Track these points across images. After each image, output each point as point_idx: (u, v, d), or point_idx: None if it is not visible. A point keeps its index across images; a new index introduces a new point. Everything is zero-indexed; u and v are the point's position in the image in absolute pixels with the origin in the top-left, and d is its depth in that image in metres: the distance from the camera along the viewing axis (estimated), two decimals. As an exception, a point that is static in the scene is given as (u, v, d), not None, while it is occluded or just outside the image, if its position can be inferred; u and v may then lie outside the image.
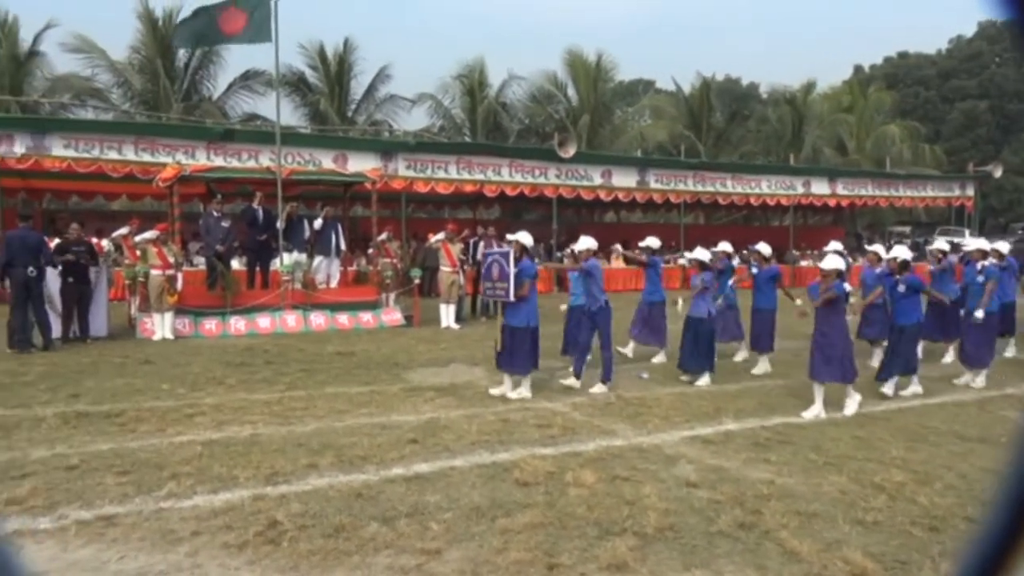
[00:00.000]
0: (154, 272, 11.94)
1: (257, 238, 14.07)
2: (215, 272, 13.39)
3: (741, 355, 10.50)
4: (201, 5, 13.14)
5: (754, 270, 10.15)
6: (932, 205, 31.27)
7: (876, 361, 10.24)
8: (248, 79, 28.36)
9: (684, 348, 8.82)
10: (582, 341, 8.53)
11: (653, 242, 10.60)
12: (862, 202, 29.09)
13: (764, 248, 10.03)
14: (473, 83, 31.56)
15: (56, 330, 11.01)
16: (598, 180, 23.38)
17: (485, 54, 41.10)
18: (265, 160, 17.34)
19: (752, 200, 26.42)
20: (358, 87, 30.78)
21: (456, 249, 14.05)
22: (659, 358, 10.19)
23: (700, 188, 25.25)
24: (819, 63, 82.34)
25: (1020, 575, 1.04)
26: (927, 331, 10.68)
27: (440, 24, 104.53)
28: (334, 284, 14.54)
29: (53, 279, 11.11)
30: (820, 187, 27.24)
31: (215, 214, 13.83)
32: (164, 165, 15.48)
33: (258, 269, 14.21)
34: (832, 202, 28.12)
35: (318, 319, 13.27)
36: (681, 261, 11.68)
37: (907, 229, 37.08)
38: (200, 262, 16.42)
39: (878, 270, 9.36)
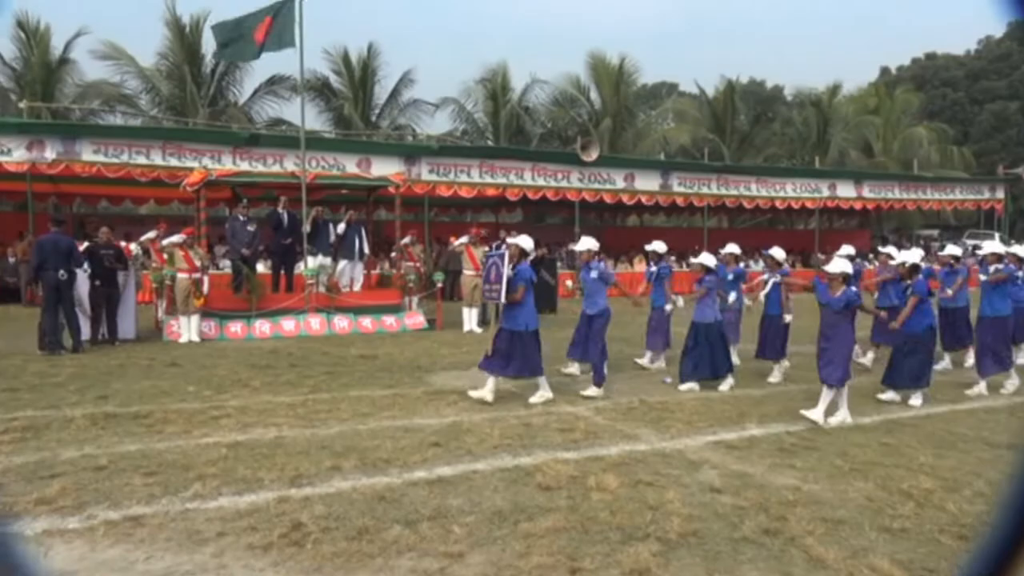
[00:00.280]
0: (181, 275, 12.09)
1: (282, 242, 14.20)
2: (240, 275, 13.53)
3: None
4: (237, 18, 13.33)
5: (767, 276, 9.96)
6: (961, 208, 30.83)
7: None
8: (273, 84, 28.65)
9: (694, 357, 8.62)
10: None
11: (659, 246, 10.46)
12: (888, 205, 28.77)
13: (777, 252, 9.89)
14: (496, 87, 31.63)
15: (85, 332, 11.18)
16: (621, 184, 23.32)
17: (508, 58, 41.21)
18: (290, 165, 17.50)
19: (777, 203, 26.21)
20: (382, 92, 31.02)
21: (479, 253, 14.07)
22: (655, 362, 10.13)
23: (724, 191, 25.10)
24: (845, 65, 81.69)
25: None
26: (944, 341, 10.44)
27: (463, 29, 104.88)
28: (357, 288, 14.63)
29: (82, 282, 11.29)
30: (846, 190, 26.97)
31: (241, 218, 13.97)
32: (191, 170, 15.69)
33: (282, 272, 14.34)
34: (858, 205, 27.84)
35: (342, 322, 13.35)
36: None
37: (935, 232, 36.59)
38: (226, 265, 16.60)
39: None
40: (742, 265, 10.88)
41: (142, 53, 27.72)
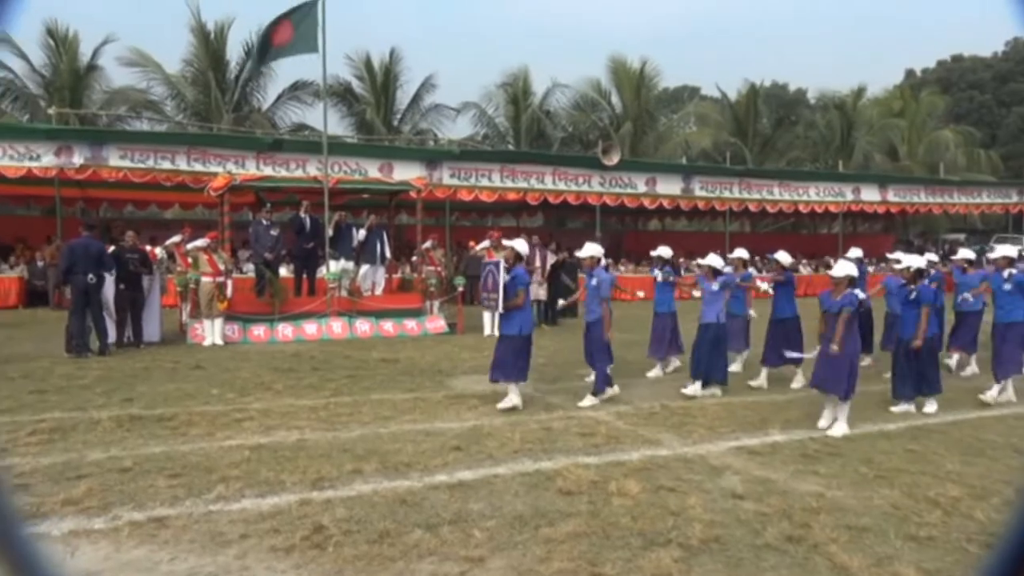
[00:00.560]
0: (205, 279, 12.21)
1: (304, 246, 14.31)
2: (263, 279, 13.65)
3: (735, 366, 10.00)
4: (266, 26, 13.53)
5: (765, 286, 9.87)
6: (988, 212, 30.40)
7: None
8: (296, 90, 28.87)
9: (698, 355, 8.52)
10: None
11: (664, 251, 10.25)
12: (914, 209, 28.45)
13: (783, 257, 9.67)
14: (517, 91, 31.67)
15: (111, 335, 11.33)
16: (642, 188, 23.24)
17: (529, 63, 41.18)
18: (313, 169, 17.64)
19: (800, 207, 26.00)
20: (404, 97, 31.15)
21: (499, 257, 14.07)
22: (655, 371, 9.86)
23: (746, 195, 24.93)
24: (870, 68, 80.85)
25: None
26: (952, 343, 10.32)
27: (484, 33, 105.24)
28: (379, 292, 14.70)
29: (108, 286, 11.44)
30: (870, 194, 26.70)
31: (264, 222, 14.09)
32: (215, 174, 15.88)
33: (305, 276, 14.44)
34: (883, 209, 27.54)
35: (363, 326, 13.42)
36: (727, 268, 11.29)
37: (961, 236, 36.11)
38: (249, 269, 16.75)
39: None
40: (751, 270, 10.66)
41: (168, 60, 28.11)
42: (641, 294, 16.65)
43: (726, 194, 24.61)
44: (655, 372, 9.85)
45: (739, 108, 35.76)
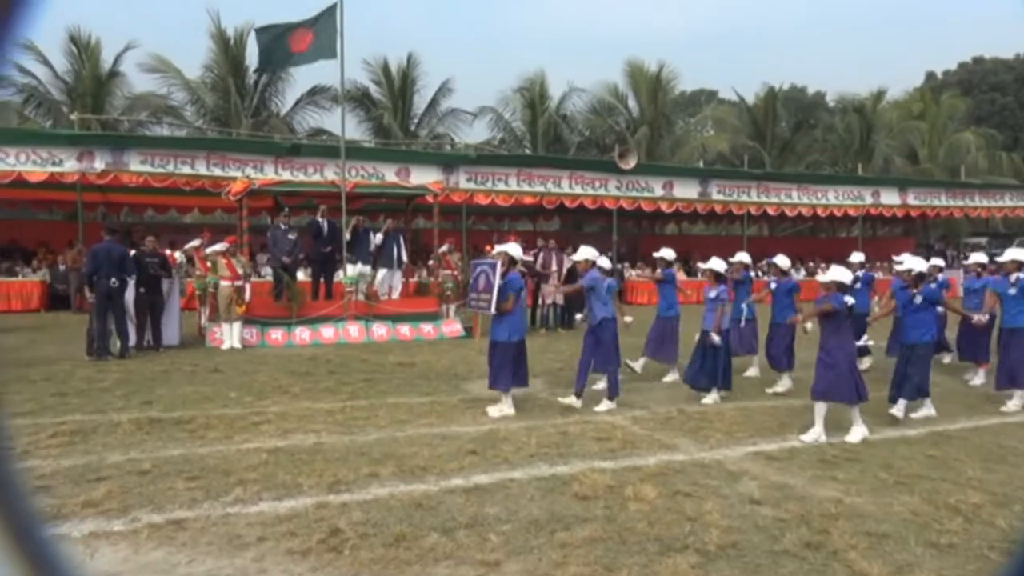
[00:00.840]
0: (223, 283, 12.30)
1: (322, 250, 14.38)
2: (281, 283, 13.73)
3: (752, 371, 10.00)
4: (273, 25, 13.56)
5: (772, 284, 9.63)
6: (1011, 215, 30.00)
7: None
8: (314, 95, 29.08)
9: (693, 363, 8.44)
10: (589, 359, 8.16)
11: (668, 254, 10.12)
12: (935, 213, 28.15)
13: (782, 261, 9.51)
14: (534, 96, 31.70)
15: (131, 339, 11.44)
16: (659, 191, 23.18)
17: (546, 67, 41.25)
18: (330, 174, 17.72)
19: (819, 211, 25.81)
20: (421, 101, 31.28)
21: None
22: (671, 376, 9.72)
23: (764, 199, 24.79)
24: (890, 71, 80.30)
25: None
26: (961, 350, 10.10)
27: (501, 38, 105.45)
28: (396, 296, 14.74)
29: (129, 290, 11.55)
30: (890, 197, 26.45)
31: (282, 227, 14.19)
32: (234, 179, 15.99)
33: (322, 280, 14.52)
34: (902, 213, 27.28)
35: (380, 330, 13.47)
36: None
37: (983, 240, 35.69)
38: (267, 273, 16.86)
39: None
40: (750, 273, 10.49)
41: (188, 66, 28.41)
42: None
43: (744, 198, 24.48)
44: (671, 376, 9.72)
45: (757, 111, 35.60)
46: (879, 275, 17.41)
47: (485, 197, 20.96)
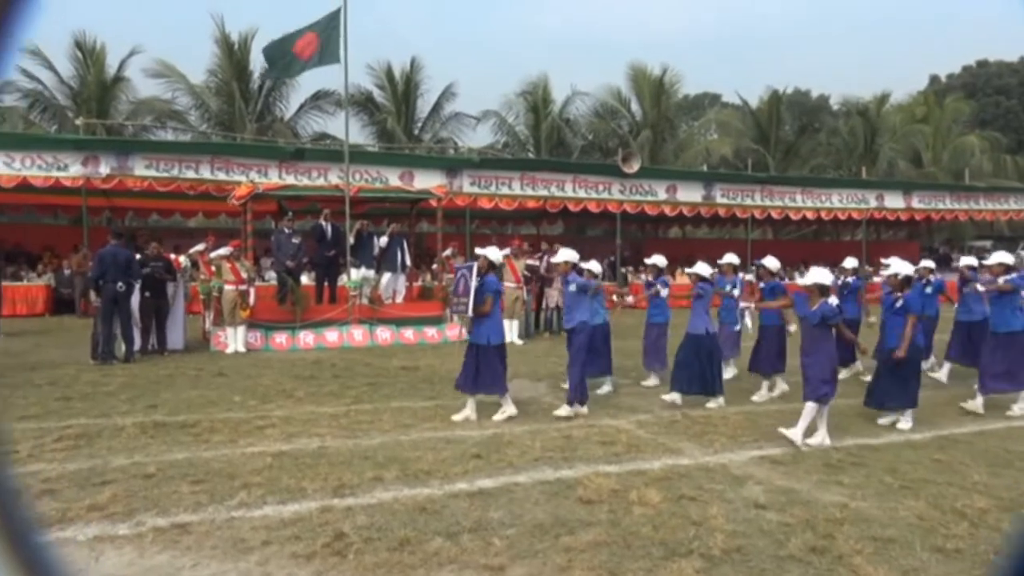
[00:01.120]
0: (228, 287, 12.32)
1: (325, 254, 14.41)
2: (285, 287, 13.75)
3: (729, 372, 9.84)
4: (283, 36, 13.65)
5: (761, 285, 9.45)
6: (1016, 219, 29.92)
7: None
8: (318, 99, 29.13)
9: (683, 369, 8.30)
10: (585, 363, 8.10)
11: (659, 260, 9.94)
12: (939, 216, 28.08)
13: (771, 262, 9.31)
14: (537, 100, 31.73)
15: (136, 343, 11.46)
16: (663, 195, 23.18)
17: (549, 71, 41.34)
18: (334, 178, 17.76)
19: (823, 215, 25.80)
20: (424, 105, 31.31)
21: (520, 265, 14.10)
22: (651, 380, 9.62)
23: (768, 203, 24.77)
24: (892, 75, 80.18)
25: None
26: (955, 354, 9.89)
27: (504, 42, 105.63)
28: (400, 299, 14.75)
29: (134, 294, 11.57)
30: (894, 200, 26.42)
31: (286, 231, 14.22)
32: (238, 183, 16.03)
33: (326, 284, 14.54)
34: (907, 216, 27.24)
35: (384, 334, 13.48)
36: (749, 277, 11.01)
37: (988, 244, 35.61)
38: (271, 277, 16.89)
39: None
40: (742, 276, 10.39)
41: (192, 70, 28.52)
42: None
43: (748, 201, 24.47)
44: (652, 381, 9.62)
45: (761, 115, 35.59)
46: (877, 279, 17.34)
47: (488, 201, 20.98)
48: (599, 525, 4.52)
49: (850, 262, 11.12)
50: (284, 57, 13.78)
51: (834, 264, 12.92)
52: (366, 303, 13.82)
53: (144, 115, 27.55)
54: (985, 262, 9.26)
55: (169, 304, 12.23)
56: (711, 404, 8.25)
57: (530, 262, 9.48)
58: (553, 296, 14.97)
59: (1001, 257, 8.66)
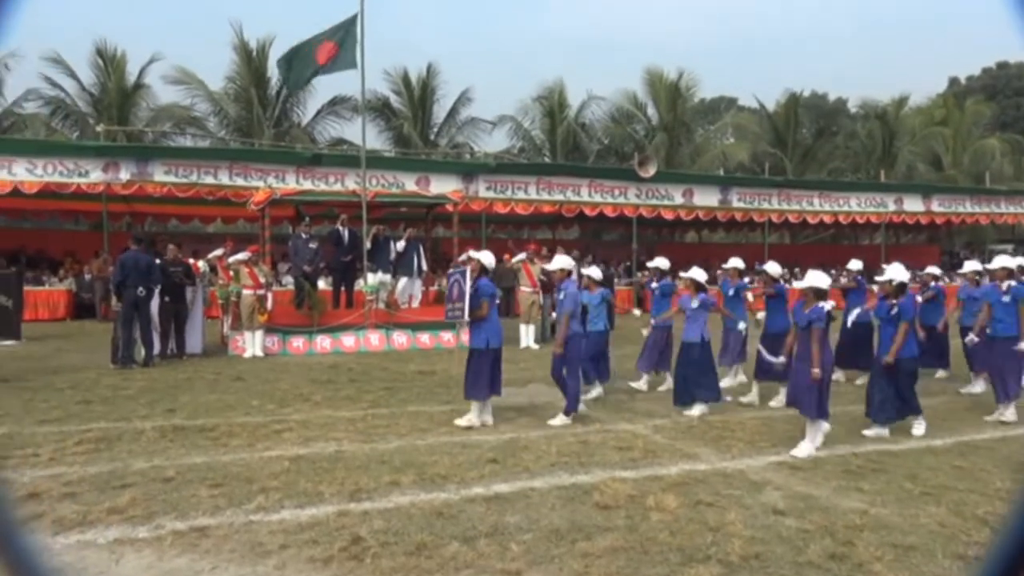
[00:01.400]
0: (246, 292, 12.41)
1: (342, 259, 14.47)
2: (302, 292, 13.83)
3: (729, 380, 9.70)
4: (299, 43, 13.76)
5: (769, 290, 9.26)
6: (1038, 222, 29.61)
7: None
8: (335, 105, 29.33)
9: (678, 378, 8.21)
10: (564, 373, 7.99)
11: (662, 263, 9.88)
12: (959, 219, 27.82)
13: (772, 268, 9.23)
14: (553, 104, 31.77)
15: (155, 347, 11.56)
16: (679, 199, 23.13)
17: (565, 75, 41.32)
18: (351, 183, 17.87)
19: (841, 218, 25.63)
20: (440, 111, 31.47)
21: (536, 270, 14.09)
22: (640, 383, 9.50)
23: (786, 206, 24.66)
24: (911, 77, 79.57)
25: None
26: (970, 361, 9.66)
27: (520, 47, 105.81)
28: (416, 304, 14.79)
29: (153, 298, 11.68)
30: (913, 204, 26.22)
31: (303, 236, 14.30)
32: (256, 189, 16.16)
33: (343, 289, 14.60)
34: (926, 220, 27.01)
35: (400, 338, 13.52)
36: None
37: (1009, 247, 35.19)
38: (289, 282, 17.00)
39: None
40: (746, 280, 10.23)
41: (211, 77, 28.80)
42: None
43: (765, 205, 24.37)
44: (641, 384, 9.51)
45: (778, 118, 35.43)
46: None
47: (504, 206, 21.02)
48: (616, 531, 4.50)
49: (855, 264, 10.99)
50: (300, 67, 13.89)
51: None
52: (383, 308, 13.86)
53: (164, 122, 27.88)
54: (989, 266, 9.09)
55: (188, 308, 12.33)
56: (692, 411, 8.04)
57: (547, 266, 9.42)
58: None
59: (1003, 261, 8.53)
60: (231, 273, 12.84)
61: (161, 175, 17.81)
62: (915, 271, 10.22)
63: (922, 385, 9.49)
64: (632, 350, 9.61)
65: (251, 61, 28.11)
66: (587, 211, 22.29)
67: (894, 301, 7.27)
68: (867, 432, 7.17)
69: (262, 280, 12.61)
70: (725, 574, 3.91)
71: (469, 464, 5.93)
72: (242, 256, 12.73)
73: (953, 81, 54.29)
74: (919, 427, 7.29)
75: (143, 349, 11.21)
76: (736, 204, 23.99)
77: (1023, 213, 28.24)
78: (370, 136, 27.93)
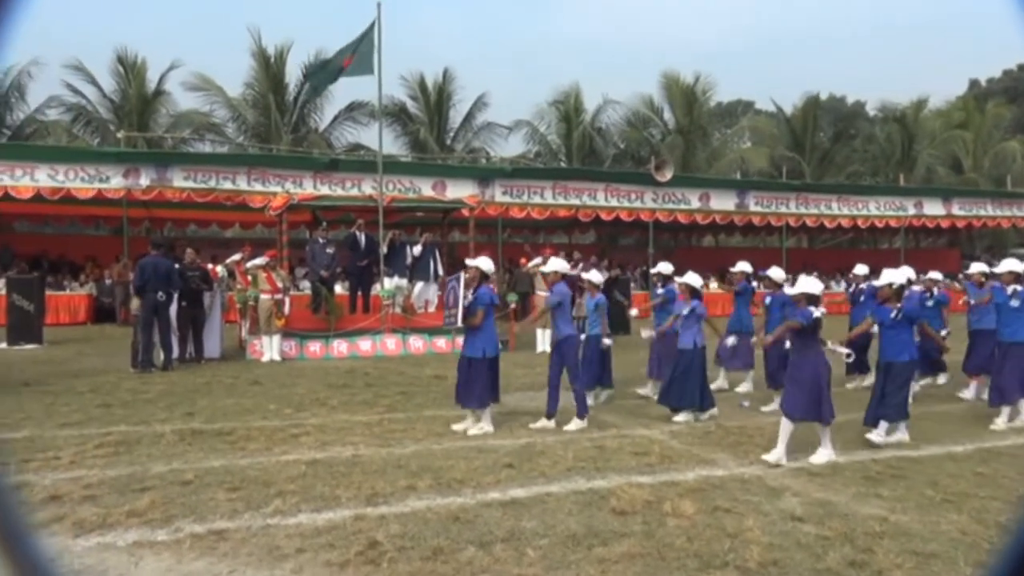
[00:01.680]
0: (264, 296, 12.48)
1: (359, 263, 14.54)
2: (319, 296, 13.90)
3: (745, 386, 9.64)
4: (329, 58, 13.97)
5: (767, 299, 9.15)
6: (1062, 226, 29.21)
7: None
8: (352, 111, 29.46)
9: (668, 381, 8.10)
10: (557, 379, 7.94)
11: (665, 268, 9.72)
12: (981, 223, 27.50)
13: (776, 273, 9.07)
14: (569, 109, 31.74)
15: (174, 351, 11.66)
16: (696, 203, 23.03)
17: (581, 80, 41.34)
18: (368, 188, 17.94)
19: (859, 222, 25.42)
20: (456, 116, 31.52)
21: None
22: (646, 389, 9.44)
23: (803, 210, 24.50)
24: (930, 80, 78.87)
25: None
26: (975, 367, 9.45)
27: (536, 52, 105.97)
28: (432, 309, 14.82)
29: (172, 303, 11.78)
30: (933, 208, 25.96)
31: (320, 241, 14.38)
32: (274, 194, 16.26)
33: (359, 294, 14.66)
34: (947, 223, 26.73)
35: (416, 343, 13.55)
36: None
37: (1030, 251, 34.77)
38: (306, 287, 17.09)
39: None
40: (753, 284, 10.04)
41: (230, 83, 29.02)
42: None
43: (782, 209, 24.22)
44: (647, 390, 9.41)
45: (796, 122, 35.22)
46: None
47: (520, 210, 21.03)
48: (633, 536, 4.48)
49: (861, 268, 10.85)
50: (325, 77, 14.09)
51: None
52: (399, 312, 13.91)
53: (183, 128, 28.11)
54: (995, 270, 8.90)
55: (205, 313, 12.43)
56: (677, 417, 7.96)
57: (586, 274, 9.37)
58: (581, 307, 14.92)
59: (1011, 265, 8.35)
60: (249, 278, 12.93)
61: (180, 181, 17.96)
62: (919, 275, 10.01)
63: (927, 391, 9.47)
64: (644, 355, 9.56)
65: (269, 67, 28.31)
66: (603, 215, 22.25)
67: (897, 306, 7.11)
68: (875, 438, 6.99)
69: (280, 285, 12.68)
70: (743, 581, 3.88)
71: (485, 469, 5.93)
72: (260, 261, 12.81)
73: (973, 83, 53.76)
74: (901, 432, 7.10)
75: (162, 353, 11.30)
76: (753, 208, 23.85)
77: (1045, 216, 27.88)
78: (387, 141, 27.95)
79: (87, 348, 14.02)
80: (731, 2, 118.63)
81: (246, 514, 4.82)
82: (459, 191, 19.11)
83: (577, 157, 31.21)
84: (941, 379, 10.35)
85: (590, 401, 8.69)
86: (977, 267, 10.00)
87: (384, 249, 14.11)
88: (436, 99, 30.80)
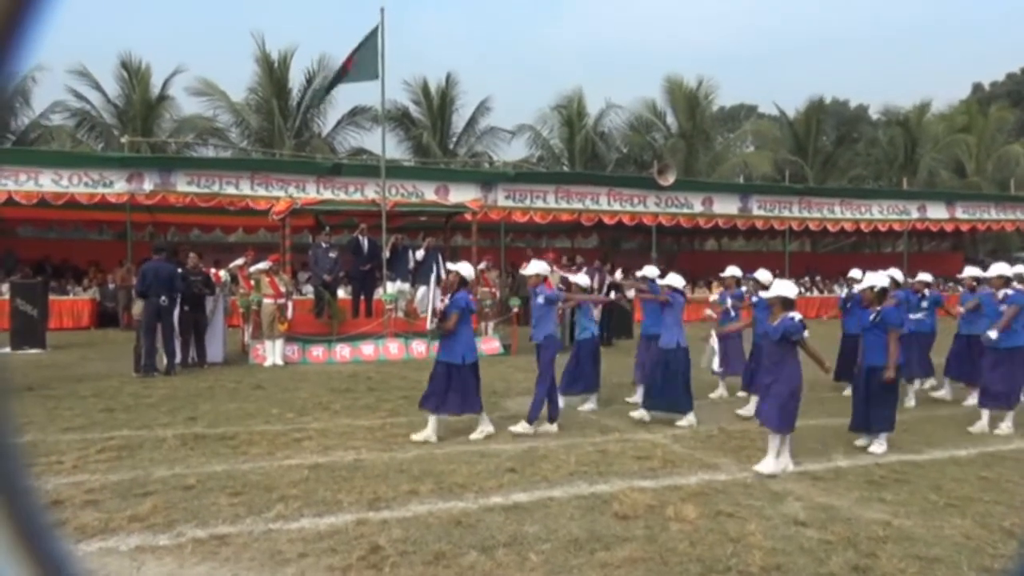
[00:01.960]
0: (266, 301, 12.49)
1: (361, 268, 14.55)
2: (322, 301, 13.91)
3: (718, 392, 9.62)
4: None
5: (754, 299, 8.94)
6: (1066, 229, 29.13)
7: (911, 402, 9.27)
8: (355, 115, 29.51)
9: (654, 384, 8.07)
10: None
11: (650, 271, 9.53)
12: (984, 227, 27.46)
13: (763, 275, 9.00)
14: (571, 113, 31.77)
15: (176, 356, 11.66)
16: (698, 207, 23.03)
17: (583, 84, 41.37)
18: (371, 193, 17.96)
19: (862, 226, 25.39)
20: (459, 120, 31.57)
21: (555, 278, 14.06)
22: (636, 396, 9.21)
23: (806, 214, 24.48)
24: (933, 83, 78.79)
25: None
26: (956, 371, 9.49)
27: (539, 56, 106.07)
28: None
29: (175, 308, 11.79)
30: (937, 211, 25.93)
31: (323, 245, 14.39)
32: (277, 199, 16.29)
33: (362, 298, 14.67)
34: (950, 227, 26.69)
35: (419, 347, 13.54)
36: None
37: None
38: (309, 291, 17.11)
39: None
40: (743, 288, 9.97)
41: (233, 89, 29.09)
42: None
43: (785, 213, 24.21)
44: (636, 397, 9.21)
45: (799, 125, 35.21)
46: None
47: (523, 214, 21.04)
48: (635, 541, 4.47)
49: (855, 273, 10.79)
50: (335, 76, 14.24)
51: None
52: (402, 316, 13.91)
53: (186, 132, 28.18)
54: (986, 274, 8.87)
55: (208, 318, 12.44)
56: (682, 423, 7.92)
57: (573, 277, 9.35)
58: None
59: (1000, 269, 8.33)
60: (252, 282, 12.93)
61: (184, 185, 18.01)
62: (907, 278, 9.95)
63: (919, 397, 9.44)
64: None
65: (272, 72, 28.37)
66: (606, 220, 22.25)
67: (876, 309, 7.04)
68: (868, 446, 6.93)
69: (282, 289, 12.69)
70: (745, 586, 3.87)
71: (487, 473, 5.92)
72: (263, 265, 12.82)
73: (977, 87, 53.69)
74: (879, 446, 6.91)
75: (165, 358, 11.31)
76: (756, 212, 23.84)
77: (1049, 220, 27.82)
78: (390, 146, 28.00)
79: (90, 353, 14.03)
80: (734, 7, 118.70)
81: (248, 519, 4.82)
82: (462, 195, 19.13)
83: (580, 161, 31.22)
84: (928, 383, 10.30)
85: (585, 407, 8.69)
86: (969, 271, 9.96)
87: (387, 253, 14.11)
88: (439, 103, 30.85)
